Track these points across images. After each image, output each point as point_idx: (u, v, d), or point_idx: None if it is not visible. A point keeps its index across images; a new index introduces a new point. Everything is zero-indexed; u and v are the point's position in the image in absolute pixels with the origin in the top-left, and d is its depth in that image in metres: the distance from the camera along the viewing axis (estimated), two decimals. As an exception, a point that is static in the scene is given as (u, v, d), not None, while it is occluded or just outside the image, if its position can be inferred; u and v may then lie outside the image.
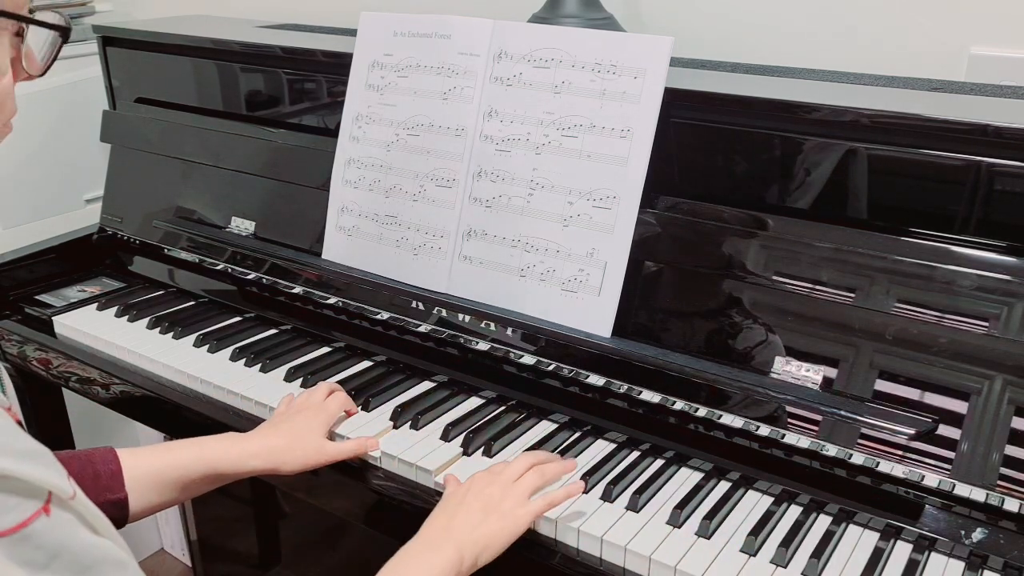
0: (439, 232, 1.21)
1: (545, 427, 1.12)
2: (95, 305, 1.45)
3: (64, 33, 0.79)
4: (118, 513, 0.94)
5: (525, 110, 1.13)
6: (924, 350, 0.92)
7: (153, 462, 0.97)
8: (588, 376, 1.09)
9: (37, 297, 1.51)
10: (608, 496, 0.98)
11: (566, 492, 0.94)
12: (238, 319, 1.41)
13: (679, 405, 1.03)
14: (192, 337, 1.33)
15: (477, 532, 0.88)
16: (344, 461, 1.07)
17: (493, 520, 0.89)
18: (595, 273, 1.08)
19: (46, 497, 0.61)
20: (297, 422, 1.05)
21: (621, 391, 1.07)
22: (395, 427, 1.11)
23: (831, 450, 0.95)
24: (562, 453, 1.05)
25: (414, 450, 1.06)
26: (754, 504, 0.97)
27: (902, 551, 0.90)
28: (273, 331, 1.37)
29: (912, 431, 0.91)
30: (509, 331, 1.14)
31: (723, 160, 1.06)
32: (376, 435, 1.09)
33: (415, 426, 1.11)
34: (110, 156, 1.63)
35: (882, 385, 0.94)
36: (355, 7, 1.33)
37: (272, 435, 1.04)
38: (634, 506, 0.96)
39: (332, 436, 1.09)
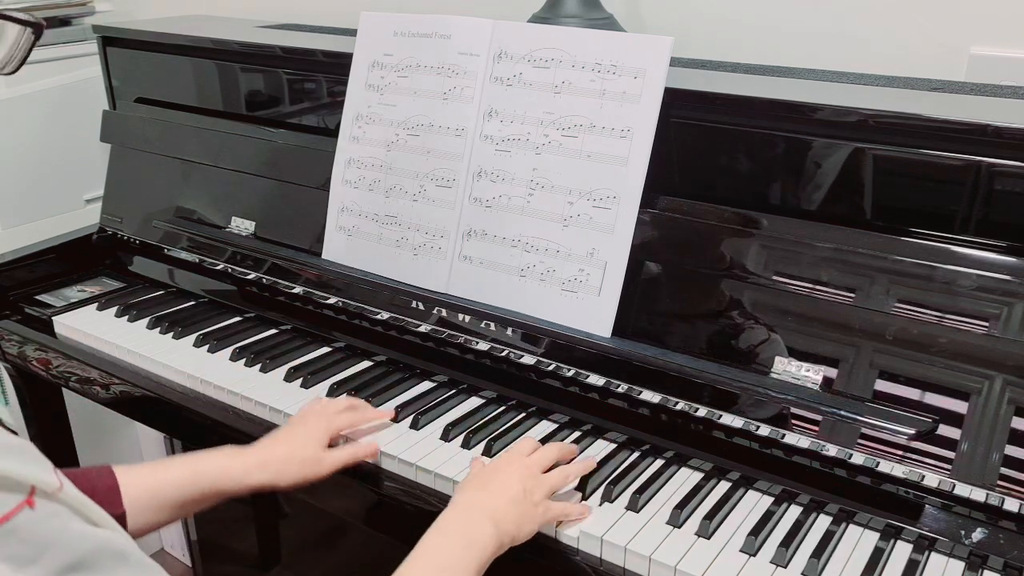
0: (439, 232, 1.21)
1: (545, 427, 1.12)
2: (95, 305, 1.45)
3: (36, 30, 0.77)
4: None
5: (525, 110, 1.13)
6: (924, 350, 0.92)
7: (149, 482, 0.94)
8: (588, 376, 1.09)
9: (37, 297, 1.51)
10: (608, 496, 0.98)
11: (582, 508, 0.96)
12: (238, 319, 1.41)
13: (679, 405, 1.03)
14: (192, 337, 1.33)
15: (513, 512, 0.89)
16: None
17: (527, 505, 0.91)
18: (595, 273, 1.08)
19: (29, 490, 0.59)
20: (297, 434, 1.02)
21: (621, 391, 1.07)
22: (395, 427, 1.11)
23: (831, 450, 0.95)
24: (562, 453, 1.06)
25: (414, 450, 1.06)
26: (754, 504, 0.97)
27: (902, 551, 0.90)
28: (273, 331, 1.37)
29: (912, 431, 0.91)
30: (509, 331, 1.14)
31: (723, 160, 1.06)
32: (376, 434, 1.09)
33: (415, 426, 1.11)
34: (110, 156, 1.63)
35: (882, 385, 0.94)
36: (355, 7, 1.33)
37: (270, 447, 1.01)
38: (634, 506, 0.96)
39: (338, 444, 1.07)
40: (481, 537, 0.85)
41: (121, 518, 0.91)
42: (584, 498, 0.98)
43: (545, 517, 0.92)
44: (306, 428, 1.03)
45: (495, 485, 0.92)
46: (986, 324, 0.90)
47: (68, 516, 0.62)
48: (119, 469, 0.93)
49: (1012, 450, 0.87)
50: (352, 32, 1.30)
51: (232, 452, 1.00)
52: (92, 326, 1.39)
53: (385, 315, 1.25)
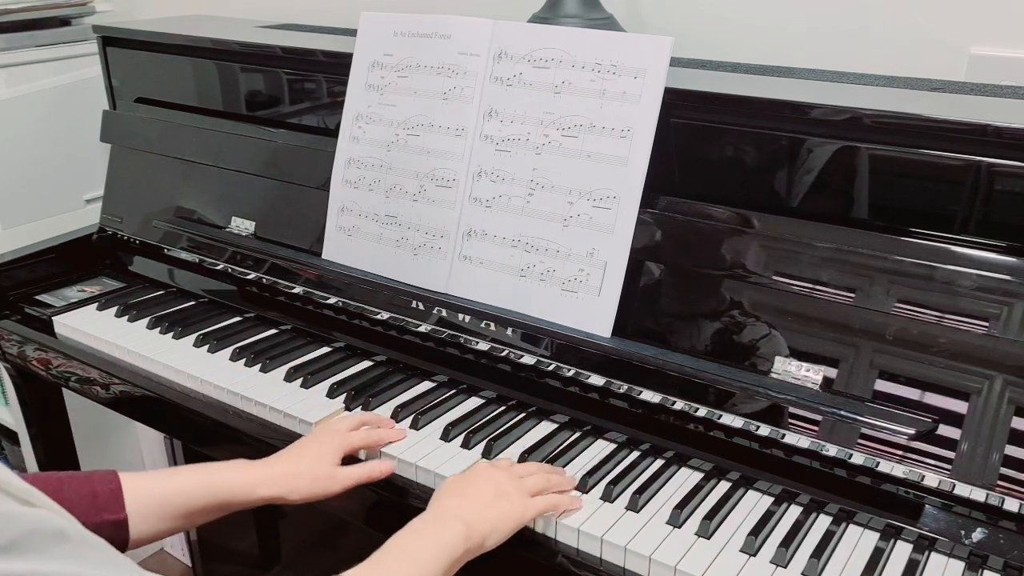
0: (439, 232, 1.21)
1: (545, 427, 1.12)
2: (95, 305, 1.45)
3: None
4: (118, 535, 0.90)
5: (525, 110, 1.13)
6: (924, 350, 0.92)
7: (156, 487, 0.93)
8: (588, 376, 1.09)
9: (37, 297, 1.51)
10: (608, 496, 0.98)
11: (571, 500, 0.96)
12: (238, 319, 1.41)
13: (679, 405, 1.03)
14: (192, 337, 1.33)
15: (487, 512, 0.89)
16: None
17: (503, 504, 0.90)
18: (595, 273, 1.08)
19: None
20: (309, 448, 1.01)
21: (621, 391, 1.07)
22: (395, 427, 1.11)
23: (831, 450, 0.95)
24: (562, 453, 1.06)
25: (414, 450, 1.06)
26: (754, 504, 0.97)
27: (902, 551, 0.90)
28: (273, 331, 1.37)
29: (912, 431, 0.91)
30: (509, 331, 1.14)
31: (723, 160, 1.06)
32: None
33: (415, 426, 1.11)
34: (110, 156, 1.63)
35: (882, 385, 0.94)
36: (355, 7, 1.33)
37: (281, 462, 1.00)
38: (634, 506, 0.96)
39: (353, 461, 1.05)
40: (451, 536, 0.85)
41: (123, 523, 0.90)
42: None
43: (525, 514, 0.91)
44: (319, 444, 1.02)
45: (467, 489, 0.92)
46: (986, 324, 0.90)
47: None
48: (125, 475, 0.92)
49: (1012, 450, 0.87)
50: (352, 32, 1.30)
51: (242, 465, 0.99)
52: (92, 326, 1.39)
53: (385, 315, 1.25)
